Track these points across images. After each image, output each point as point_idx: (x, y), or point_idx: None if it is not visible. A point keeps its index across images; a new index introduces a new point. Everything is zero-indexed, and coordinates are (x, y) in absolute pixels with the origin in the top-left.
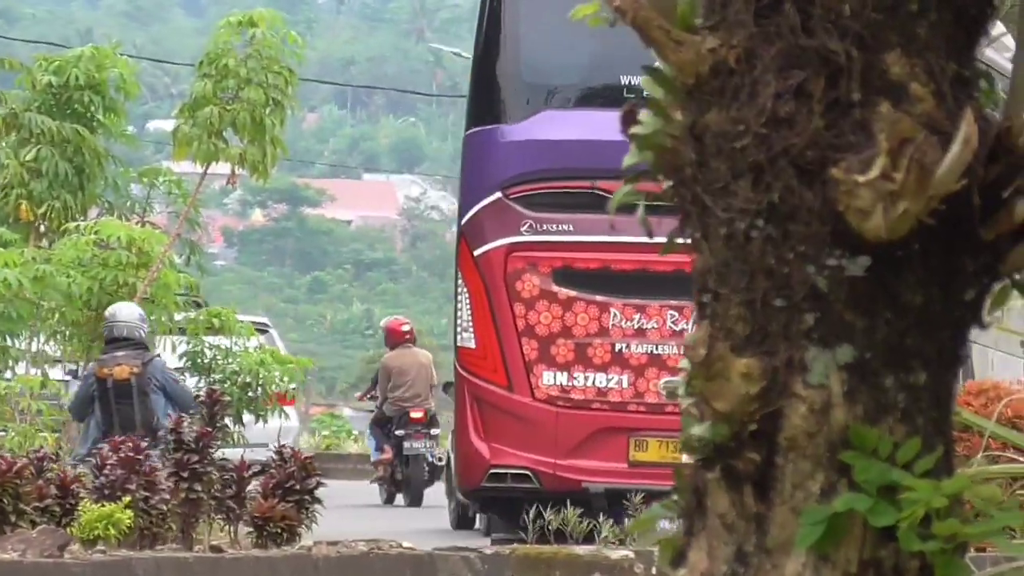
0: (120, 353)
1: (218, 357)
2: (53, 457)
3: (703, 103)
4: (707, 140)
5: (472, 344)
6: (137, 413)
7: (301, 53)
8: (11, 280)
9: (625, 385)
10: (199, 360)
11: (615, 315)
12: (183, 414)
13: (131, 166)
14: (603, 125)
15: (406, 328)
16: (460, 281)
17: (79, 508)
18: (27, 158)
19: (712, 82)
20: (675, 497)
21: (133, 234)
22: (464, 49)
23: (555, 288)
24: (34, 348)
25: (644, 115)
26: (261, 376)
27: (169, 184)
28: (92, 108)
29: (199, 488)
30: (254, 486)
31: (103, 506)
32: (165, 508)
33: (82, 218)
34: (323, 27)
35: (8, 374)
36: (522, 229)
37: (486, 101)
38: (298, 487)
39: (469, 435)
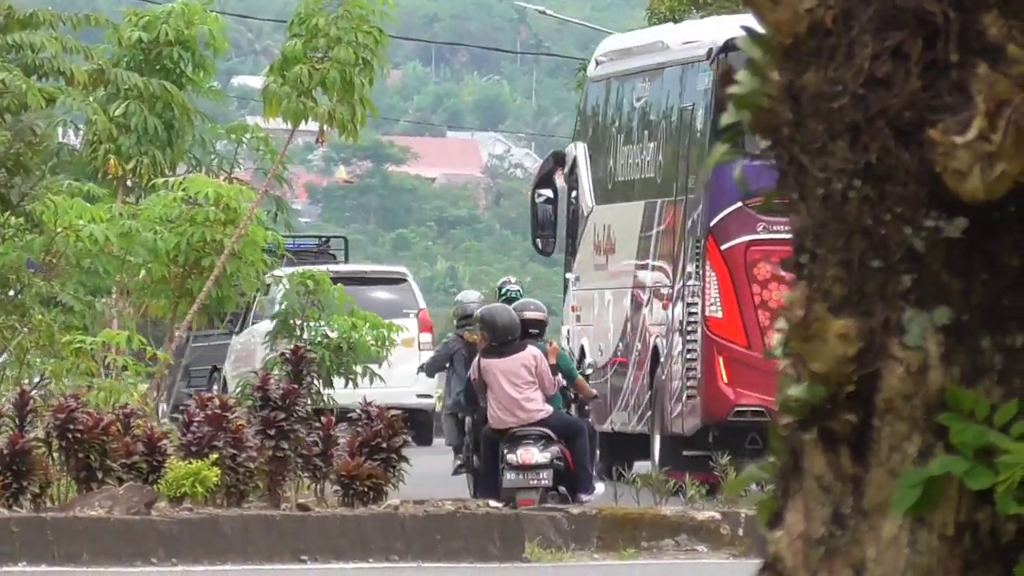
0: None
1: (310, 320)
2: (140, 413)
3: (800, 63)
4: (804, 100)
5: (720, 315)
6: None
7: (391, 14)
8: (98, 236)
9: None
10: (291, 321)
11: None
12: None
13: (217, 122)
14: None
15: None
16: (708, 267)
17: (166, 465)
18: (116, 113)
19: (809, 42)
20: (771, 458)
21: (221, 191)
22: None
23: (783, 272)
24: (121, 304)
25: (741, 74)
26: (352, 339)
27: (257, 141)
28: (181, 64)
29: (286, 446)
30: (341, 444)
31: (190, 463)
32: (252, 466)
33: (170, 174)
34: None
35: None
36: (758, 229)
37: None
38: (384, 446)
39: (717, 382)
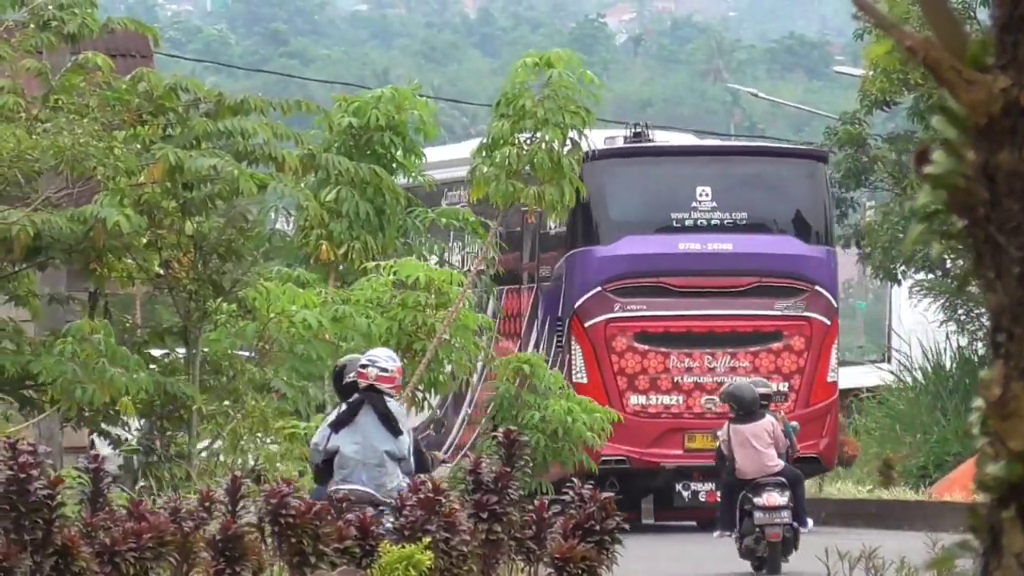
0: None
1: (526, 405)
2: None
3: (995, 142)
4: (999, 179)
5: (585, 380)
6: None
7: (599, 94)
8: (311, 321)
9: (681, 402)
10: (505, 405)
11: (673, 360)
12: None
13: (427, 206)
14: (661, 244)
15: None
16: (573, 342)
17: (379, 549)
18: (327, 199)
19: (1004, 121)
20: (971, 537)
21: (431, 274)
22: (761, 90)
23: (636, 344)
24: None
25: (937, 155)
26: (568, 425)
27: (468, 225)
28: (392, 149)
29: (499, 529)
30: (555, 527)
31: (403, 547)
32: (465, 549)
33: (381, 258)
34: (620, 68)
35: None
36: (615, 309)
37: (586, 232)
38: (598, 527)
39: None
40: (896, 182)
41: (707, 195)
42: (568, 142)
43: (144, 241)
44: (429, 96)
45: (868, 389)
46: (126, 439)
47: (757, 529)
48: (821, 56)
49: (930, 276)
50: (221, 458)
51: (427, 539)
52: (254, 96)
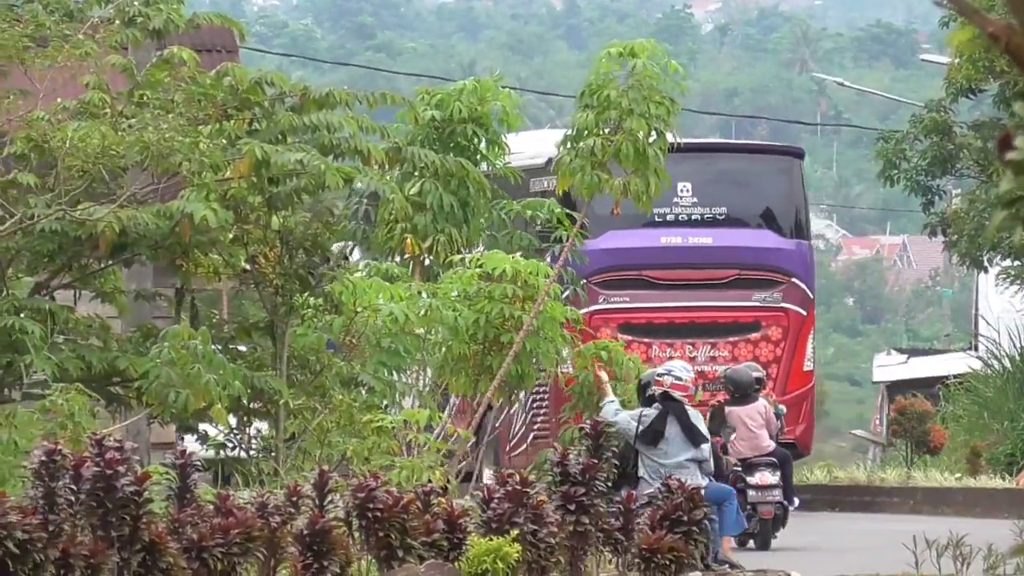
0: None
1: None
2: (440, 491)
3: None
4: None
5: (571, 370)
6: None
7: (683, 83)
8: (398, 315)
9: None
10: (585, 392)
11: (655, 350)
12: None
13: (513, 198)
14: (643, 238)
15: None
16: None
17: (467, 542)
18: (411, 192)
19: None
20: None
21: (518, 266)
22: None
23: (619, 335)
24: (421, 382)
25: (1020, 141)
26: None
27: (553, 216)
28: (475, 141)
29: (586, 520)
30: (642, 518)
31: (491, 540)
32: (553, 541)
33: (467, 251)
34: (706, 58)
35: (395, 409)
36: (600, 301)
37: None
38: (685, 518)
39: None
40: (982, 169)
41: (688, 191)
42: (653, 132)
43: (230, 236)
44: (515, 88)
45: (955, 376)
46: (214, 435)
47: (750, 507)
48: (907, 44)
49: (1016, 263)
50: (308, 452)
51: (515, 531)
52: (339, 89)
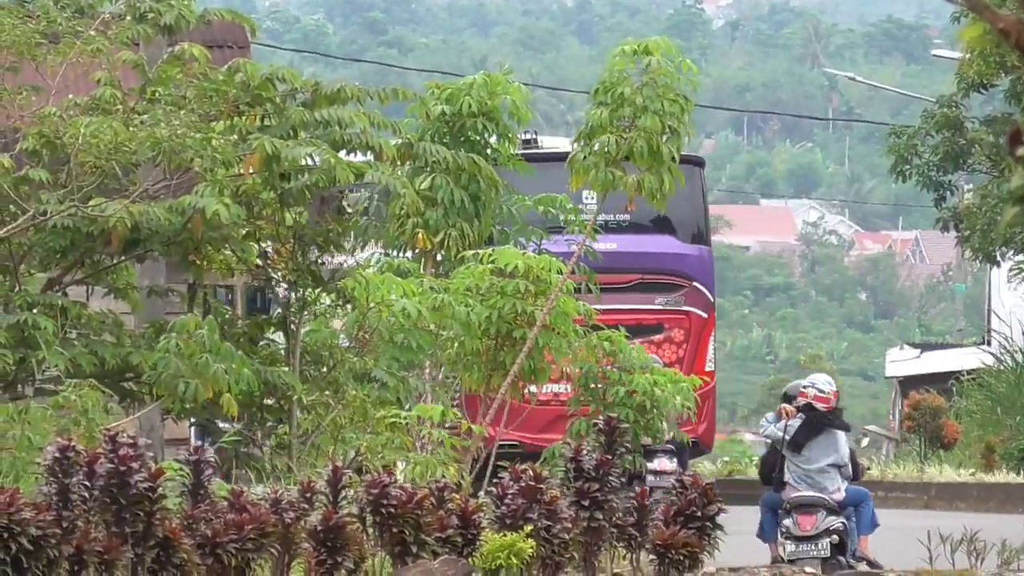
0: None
1: (612, 381)
2: (454, 487)
3: None
4: None
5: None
6: None
7: (696, 81)
8: (410, 310)
9: (569, 390)
10: (592, 385)
11: None
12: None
13: (525, 193)
14: (548, 244)
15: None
16: None
17: (481, 538)
18: (422, 187)
19: None
20: None
21: (530, 262)
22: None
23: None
24: (434, 378)
25: None
26: (655, 397)
27: (565, 212)
28: (485, 135)
29: (600, 516)
30: (656, 513)
31: (505, 535)
32: (567, 537)
33: (479, 246)
34: (717, 53)
35: (407, 404)
36: None
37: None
38: (699, 514)
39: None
40: (994, 164)
41: (592, 198)
42: (667, 130)
43: (243, 232)
44: (527, 84)
45: (968, 371)
46: (226, 429)
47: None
48: (919, 39)
49: None
50: (322, 448)
51: (528, 527)
52: (350, 85)
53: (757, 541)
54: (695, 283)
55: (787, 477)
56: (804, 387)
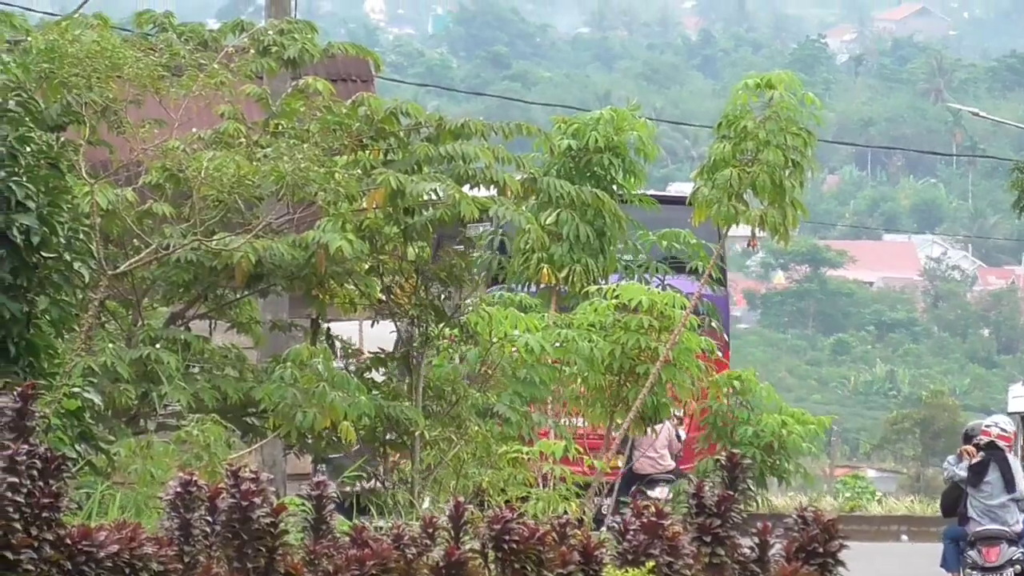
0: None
1: (740, 420)
2: (576, 523)
3: None
4: None
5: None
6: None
7: (819, 115)
8: (533, 345)
9: None
10: (718, 422)
11: None
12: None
13: (650, 228)
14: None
15: None
16: None
17: (602, 574)
18: (547, 222)
19: None
20: None
21: (654, 297)
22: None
23: None
24: (557, 414)
25: None
26: (783, 438)
27: (690, 247)
28: (612, 171)
29: (722, 552)
30: (777, 550)
31: (626, 571)
32: (688, 573)
33: (603, 282)
34: (841, 88)
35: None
36: None
37: None
38: (821, 550)
39: None
40: None
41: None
42: (789, 164)
43: (366, 267)
44: (651, 118)
45: None
46: (348, 464)
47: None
48: None
49: None
50: (444, 483)
51: (650, 563)
52: (475, 119)
53: None
54: (712, 324)
55: (970, 512)
56: (987, 426)
